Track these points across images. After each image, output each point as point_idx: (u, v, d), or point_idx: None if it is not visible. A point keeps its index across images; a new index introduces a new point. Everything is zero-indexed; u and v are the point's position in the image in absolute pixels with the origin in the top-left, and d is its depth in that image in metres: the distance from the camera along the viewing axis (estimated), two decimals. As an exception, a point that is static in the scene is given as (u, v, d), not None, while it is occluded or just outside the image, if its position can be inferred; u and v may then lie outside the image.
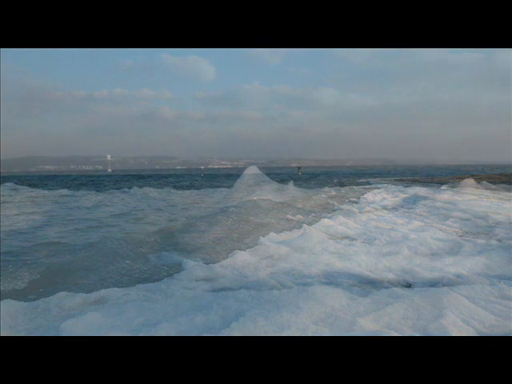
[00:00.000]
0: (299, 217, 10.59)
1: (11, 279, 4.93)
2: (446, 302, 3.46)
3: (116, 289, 4.17)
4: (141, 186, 22.79)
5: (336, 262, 5.52)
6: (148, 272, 5.51)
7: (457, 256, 5.78)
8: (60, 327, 3.04)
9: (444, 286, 4.46)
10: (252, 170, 16.49)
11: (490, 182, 19.66)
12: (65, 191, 20.40)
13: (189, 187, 28.39)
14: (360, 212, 11.65)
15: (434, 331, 2.98)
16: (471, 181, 16.77)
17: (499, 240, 7.03)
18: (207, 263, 5.72)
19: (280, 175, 51.60)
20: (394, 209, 12.54)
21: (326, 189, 21.22)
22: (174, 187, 25.79)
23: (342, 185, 29.02)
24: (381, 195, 17.11)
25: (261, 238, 7.14)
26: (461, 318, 3.22)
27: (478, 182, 17.88)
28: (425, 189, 18.03)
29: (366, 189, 21.97)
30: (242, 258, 5.85)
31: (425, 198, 14.34)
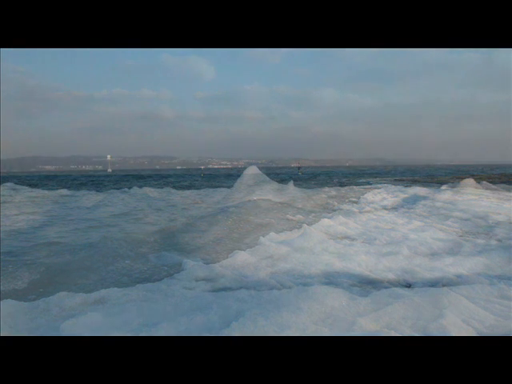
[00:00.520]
0: (299, 217, 10.59)
1: (11, 279, 4.93)
2: (446, 301, 3.46)
3: (116, 289, 4.17)
4: (141, 186, 22.78)
5: (336, 262, 5.52)
6: (148, 272, 5.51)
7: (457, 256, 5.78)
8: (60, 327, 3.04)
9: (444, 285, 4.46)
10: (252, 170, 16.47)
11: (490, 182, 19.65)
12: (65, 191, 20.39)
13: (189, 187, 28.37)
14: (360, 212, 11.65)
15: (434, 331, 2.97)
16: (471, 181, 16.78)
17: (499, 240, 7.03)
18: (207, 263, 5.72)
19: (280, 175, 51.59)
20: (394, 209, 12.54)
21: (326, 189, 21.22)
22: (174, 187, 25.79)
23: (341, 185, 29.02)
24: (381, 195, 17.10)
25: (261, 238, 7.14)
26: (461, 318, 3.22)
27: (478, 182, 17.88)
28: (425, 189, 18.02)
29: (366, 189, 21.97)
30: (241, 257, 5.85)
31: (425, 197, 14.34)
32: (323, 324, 3.13)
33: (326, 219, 9.15)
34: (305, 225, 7.97)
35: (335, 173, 66.82)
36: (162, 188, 22.54)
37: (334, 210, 12.27)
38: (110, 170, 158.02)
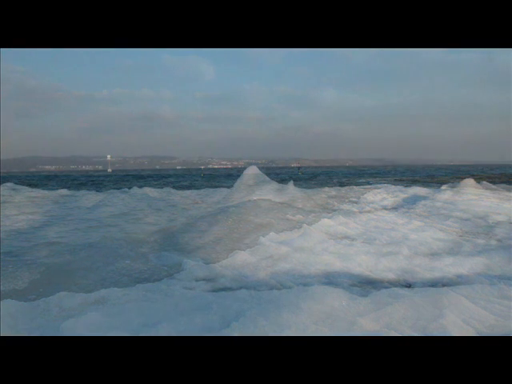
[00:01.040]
0: (299, 217, 10.58)
1: (11, 279, 4.93)
2: (446, 301, 3.46)
3: (116, 289, 4.17)
4: (141, 186, 22.75)
5: (336, 262, 5.52)
6: (148, 272, 5.51)
7: (457, 256, 5.78)
8: (60, 327, 3.04)
9: (444, 285, 4.47)
10: (252, 170, 16.43)
11: (490, 182, 19.63)
12: (65, 191, 20.36)
13: (189, 187, 28.36)
14: (360, 212, 11.65)
15: (434, 331, 2.97)
16: (471, 181, 16.75)
17: (499, 240, 7.03)
18: (207, 263, 5.72)
19: (280, 175, 51.57)
20: (394, 209, 12.53)
21: (326, 189, 21.20)
22: (174, 187, 25.76)
23: (342, 185, 29.00)
24: (381, 195, 17.09)
25: (261, 238, 7.14)
26: (461, 318, 3.21)
27: (478, 182, 17.86)
28: (425, 189, 18.00)
29: (366, 189, 21.94)
30: (241, 257, 5.85)
31: (425, 198, 14.33)
32: (323, 324, 3.13)
33: (326, 219, 9.15)
34: (305, 225, 7.97)
35: (335, 173, 66.79)
36: (162, 188, 22.52)
37: (334, 210, 12.26)
38: (110, 170, 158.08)
